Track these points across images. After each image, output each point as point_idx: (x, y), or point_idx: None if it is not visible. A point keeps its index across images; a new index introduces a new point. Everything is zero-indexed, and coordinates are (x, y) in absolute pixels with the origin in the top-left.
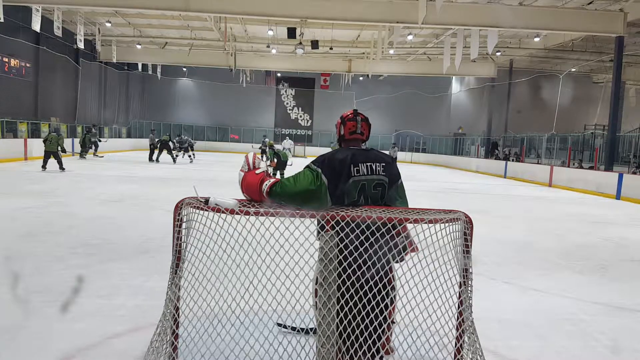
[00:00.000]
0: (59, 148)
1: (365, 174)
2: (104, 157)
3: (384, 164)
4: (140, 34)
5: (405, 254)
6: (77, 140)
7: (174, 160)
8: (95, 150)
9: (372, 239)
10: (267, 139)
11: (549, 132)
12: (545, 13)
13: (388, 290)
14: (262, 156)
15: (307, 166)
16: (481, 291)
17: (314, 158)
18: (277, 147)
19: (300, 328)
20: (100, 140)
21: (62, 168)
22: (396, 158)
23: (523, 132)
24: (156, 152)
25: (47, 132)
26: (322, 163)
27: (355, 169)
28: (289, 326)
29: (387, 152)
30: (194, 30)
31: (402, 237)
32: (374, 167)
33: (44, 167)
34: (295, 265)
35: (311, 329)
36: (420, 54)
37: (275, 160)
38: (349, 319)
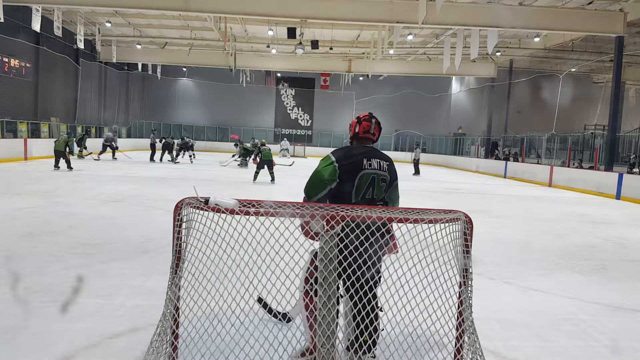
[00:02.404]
0: (67, 149)
1: (376, 168)
2: (99, 160)
3: (388, 163)
4: (140, 34)
5: (383, 253)
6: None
7: (174, 161)
8: (113, 152)
9: (363, 238)
10: (256, 140)
11: (549, 132)
12: (545, 13)
13: (377, 282)
14: (244, 157)
15: (327, 155)
16: (481, 291)
17: (314, 158)
18: (266, 147)
19: (277, 312)
20: (116, 147)
21: (69, 167)
22: (419, 160)
23: (523, 132)
24: (159, 152)
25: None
26: (339, 151)
27: (368, 162)
28: (268, 306)
29: (411, 153)
30: (194, 30)
31: (392, 234)
32: (382, 164)
33: (56, 166)
34: (296, 265)
35: (283, 315)
36: (420, 54)
37: (258, 158)
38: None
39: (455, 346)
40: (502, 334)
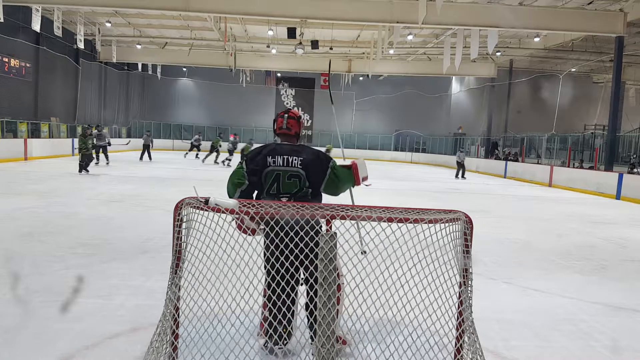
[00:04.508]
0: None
1: (281, 165)
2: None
3: (301, 159)
4: (140, 34)
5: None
6: (77, 141)
7: (224, 163)
8: (106, 154)
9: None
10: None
11: (549, 132)
12: (545, 13)
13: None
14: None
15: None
16: (481, 291)
17: None
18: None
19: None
20: (108, 143)
21: (80, 171)
22: (463, 163)
23: (523, 132)
24: (207, 154)
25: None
26: (251, 152)
27: (272, 159)
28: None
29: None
30: (194, 30)
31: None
32: (289, 160)
33: (82, 169)
34: (295, 265)
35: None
36: (420, 54)
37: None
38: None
39: (455, 346)
40: (502, 334)
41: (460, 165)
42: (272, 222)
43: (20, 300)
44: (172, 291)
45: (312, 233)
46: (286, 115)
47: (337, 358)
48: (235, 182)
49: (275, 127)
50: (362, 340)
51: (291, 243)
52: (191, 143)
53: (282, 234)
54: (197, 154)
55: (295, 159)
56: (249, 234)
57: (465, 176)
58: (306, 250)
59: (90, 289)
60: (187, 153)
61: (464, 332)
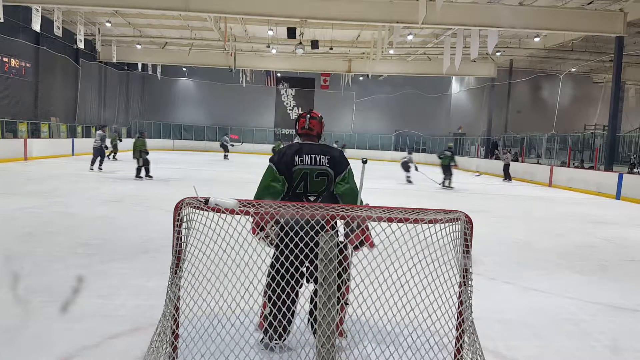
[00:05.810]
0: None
1: (309, 164)
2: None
3: (329, 157)
4: (140, 34)
5: (359, 241)
6: (77, 141)
7: None
8: (102, 159)
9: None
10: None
11: (549, 132)
12: (545, 13)
13: (339, 271)
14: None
15: (268, 165)
16: (481, 291)
17: None
18: None
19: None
20: (106, 147)
21: (139, 175)
22: (509, 165)
23: (523, 132)
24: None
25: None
26: (275, 155)
27: (299, 159)
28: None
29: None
30: (194, 30)
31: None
32: (318, 159)
33: (147, 175)
34: (295, 265)
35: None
36: (420, 54)
37: None
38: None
39: (455, 346)
40: (502, 334)
41: (508, 167)
42: (291, 222)
43: (20, 300)
44: (172, 291)
45: (333, 232)
46: (308, 115)
47: (337, 358)
48: (279, 190)
49: (297, 127)
50: (362, 340)
51: (311, 242)
52: (221, 144)
53: (308, 235)
54: (225, 155)
55: (323, 158)
56: (267, 244)
57: (510, 179)
58: (328, 250)
59: (90, 289)
60: (226, 155)
61: (464, 332)
